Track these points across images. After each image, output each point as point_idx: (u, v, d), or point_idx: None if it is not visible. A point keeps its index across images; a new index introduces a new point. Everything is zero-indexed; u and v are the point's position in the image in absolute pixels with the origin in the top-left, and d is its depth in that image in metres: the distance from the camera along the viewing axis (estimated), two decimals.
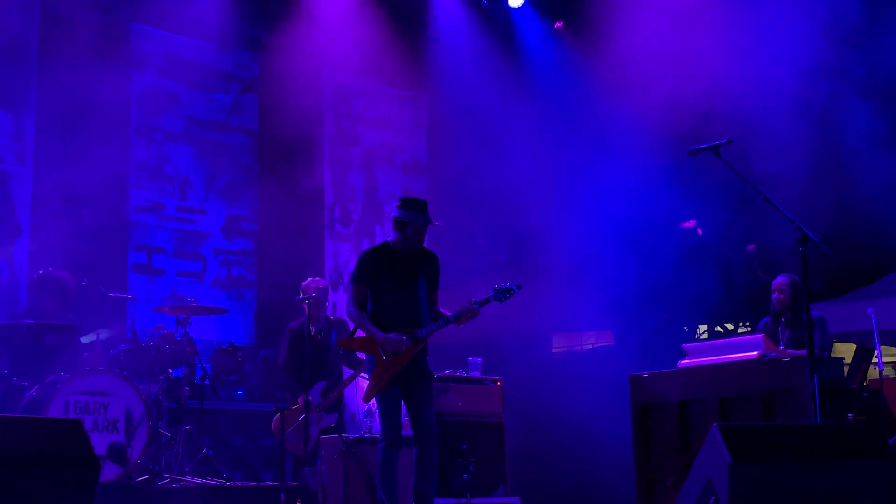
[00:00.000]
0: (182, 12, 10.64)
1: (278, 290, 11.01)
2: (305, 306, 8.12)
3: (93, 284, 8.70)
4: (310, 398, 8.43)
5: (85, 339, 8.38)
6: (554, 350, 12.55)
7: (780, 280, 7.74)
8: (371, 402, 7.23)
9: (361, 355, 8.71)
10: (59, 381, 7.62)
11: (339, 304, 11.55)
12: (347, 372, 9.10)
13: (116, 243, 10.41)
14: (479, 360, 8.98)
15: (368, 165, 12.45)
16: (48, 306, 8.30)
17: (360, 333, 6.98)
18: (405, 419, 6.87)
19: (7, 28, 9.95)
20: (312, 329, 8.94)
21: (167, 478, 7.93)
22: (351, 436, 8.13)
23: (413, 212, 6.89)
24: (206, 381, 8.83)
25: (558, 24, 12.20)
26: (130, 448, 7.73)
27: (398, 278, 6.87)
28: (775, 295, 7.73)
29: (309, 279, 9.16)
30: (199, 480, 8.13)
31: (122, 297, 9.45)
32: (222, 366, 9.87)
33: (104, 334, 8.45)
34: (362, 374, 8.66)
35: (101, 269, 9.65)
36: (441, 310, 6.97)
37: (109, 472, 7.52)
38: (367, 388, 6.83)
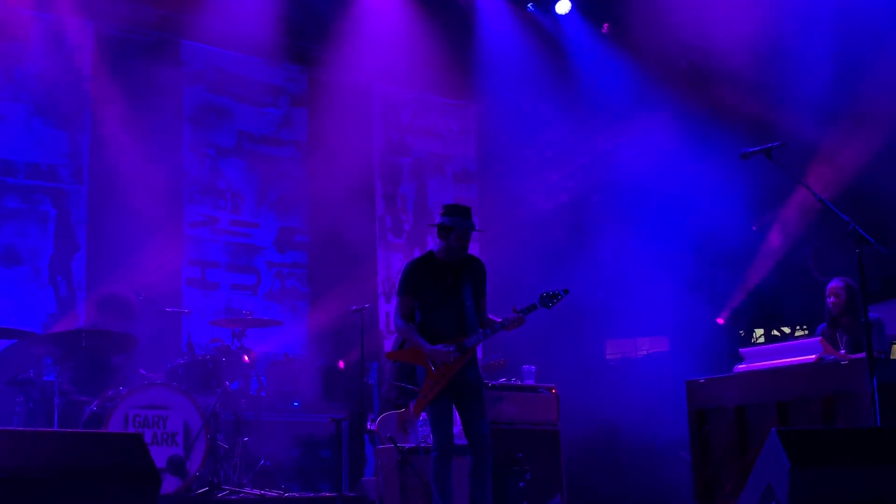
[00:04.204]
0: (231, 28, 10.74)
1: (332, 301, 11.08)
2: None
3: (149, 299, 8.82)
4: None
5: None
6: (608, 357, 12.46)
7: (834, 284, 7.57)
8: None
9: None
10: (119, 396, 7.73)
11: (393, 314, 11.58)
12: None
13: (171, 258, 10.52)
14: (532, 368, 8.95)
15: (419, 175, 12.48)
16: (112, 325, 8.39)
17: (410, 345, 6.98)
18: (458, 429, 6.86)
19: (62, 49, 10.13)
20: None
21: (226, 489, 8.00)
22: (406, 445, 8.13)
23: (456, 217, 6.83)
24: (263, 393, 8.89)
25: (605, 27, 12.15)
26: (189, 461, 7.81)
27: (442, 288, 6.82)
28: (831, 299, 7.55)
29: None
30: (257, 492, 8.19)
31: (178, 311, 9.59)
32: (278, 377, 9.95)
33: None
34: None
35: (157, 284, 9.78)
36: (491, 317, 6.94)
37: (169, 484, 7.60)
38: (417, 400, 6.81)
